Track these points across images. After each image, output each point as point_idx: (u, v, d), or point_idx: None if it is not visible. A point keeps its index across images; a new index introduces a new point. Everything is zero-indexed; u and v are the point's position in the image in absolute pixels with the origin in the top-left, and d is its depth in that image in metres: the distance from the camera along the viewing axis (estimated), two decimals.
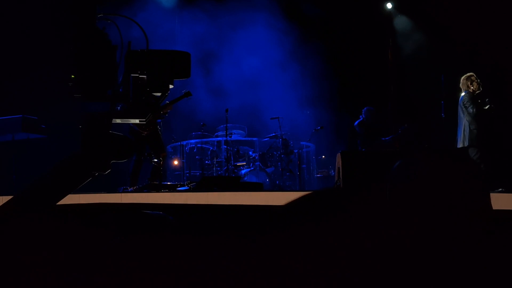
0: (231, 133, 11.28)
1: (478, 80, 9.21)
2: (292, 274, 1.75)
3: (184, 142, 11.75)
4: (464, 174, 1.74)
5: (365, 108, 11.21)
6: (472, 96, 9.11)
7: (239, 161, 11.32)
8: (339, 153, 6.06)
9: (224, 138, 11.13)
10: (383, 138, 11.09)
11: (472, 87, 9.19)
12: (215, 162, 11.27)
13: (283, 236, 1.90)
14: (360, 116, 11.15)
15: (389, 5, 13.73)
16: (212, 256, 2.22)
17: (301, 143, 12.11)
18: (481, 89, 9.18)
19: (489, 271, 1.63)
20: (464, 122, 9.14)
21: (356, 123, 11.08)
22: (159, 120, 9.27)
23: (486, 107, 9.02)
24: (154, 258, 2.24)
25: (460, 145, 9.10)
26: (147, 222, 2.96)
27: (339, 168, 6.17)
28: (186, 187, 8.94)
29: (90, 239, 2.56)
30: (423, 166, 1.77)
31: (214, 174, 11.12)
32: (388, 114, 13.51)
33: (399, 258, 1.67)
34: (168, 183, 9.68)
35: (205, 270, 2.04)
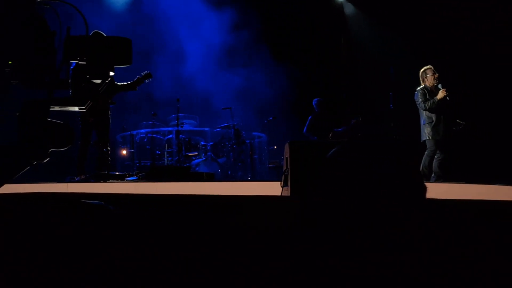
0: (182, 123, 11.19)
1: (436, 74, 9.25)
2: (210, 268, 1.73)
3: (134, 132, 11.62)
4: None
5: (315, 100, 11.30)
6: (424, 91, 9.18)
7: (191, 151, 11.23)
8: (287, 143, 6.07)
9: (176, 128, 11.03)
10: (336, 129, 11.18)
11: (427, 81, 9.25)
12: (165, 152, 11.18)
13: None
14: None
15: None
16: (146, 246, 2.19)
17: (253, 133, 12.11)
18: (436, 82, 9.20)
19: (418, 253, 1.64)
20: (420, 115, 9.27)
21: (310, 116, 11.17)
22: (112, 106, 8.95)
23: (441, 99, 9.01)
24: (87, 248, 2.20)
25: (423, 137, 9.23)
26: (86, 211, 2.90)
27: (287, 158, 6.17)
28: (135, 177, 8.84)
29: (25, 228, 2.50)
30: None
31: (165, 164, 11.03)
32: (342, 105, 13.61)
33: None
34: (117, 173, 9.56)
35: (134, 259, 2.01)
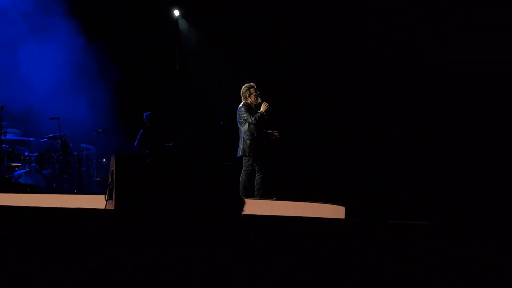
0: (6, 132, 10.71)
1: (257, 92, 9.50)
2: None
3: None
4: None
5: (146, 114, 11.25)
6: (248, 107, 9.39)
7: (14, 162, 10.77)
8: (113, 156, 6.03)
9: None
10: (166, 144, 11.20)
11: (249, 99, 9.46)
12: None
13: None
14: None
15: (176, 12, 13.91)
16: None
17: (81, 145, 11.80)
18: (259, 100, 9.44)
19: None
20: (240, 131, 9.44)
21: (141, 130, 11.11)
22: None
23: (259, 117, 9.27)
24: None
25: (239, 153, 9.38)
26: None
27: (112, 170, 6.12)
28: None
29: None
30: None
31: None
32: (173, 120, 13.68)
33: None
34: None
35: None
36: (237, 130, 9.61)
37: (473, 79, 11.84)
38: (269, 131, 9.56)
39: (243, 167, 9.30)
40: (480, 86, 11.90)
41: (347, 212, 9.93)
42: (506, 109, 11.89)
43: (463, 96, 12.02)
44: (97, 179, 11.69)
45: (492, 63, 11.57)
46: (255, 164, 9.29)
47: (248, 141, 9.25)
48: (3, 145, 10.53)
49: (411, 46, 12.37)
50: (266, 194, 9.31)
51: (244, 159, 9.31)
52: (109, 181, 6.23)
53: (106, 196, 6.26)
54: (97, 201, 7.21)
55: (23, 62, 12.14)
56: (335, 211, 9.65)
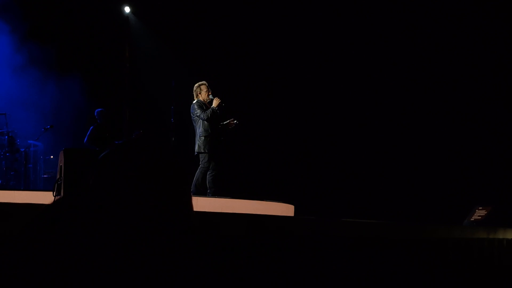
0: None
1: (209, 89, 9.52)
2: None
3: None
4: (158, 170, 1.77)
5: (97, 110, 11.11)
6: (200, 104, 9.40)
7: None
8: (62, 151, 5.94)
9: None
10: (116, 142, 11.07)
11: (201, 96, 9.48)
12: None
13: None
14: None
15: (127, 9, 13.81)
16: None
17: (28, 141, 11.57)
18: (210, 97, 9.47)
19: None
20: (196, 129, 9.42)
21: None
22: None
23: (211, 112, 9.27)
24: None
25: (196, 150, 9.35)
26: None
27: (61, 166, 6.03)
28: None
29: None
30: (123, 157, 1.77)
31: None
32: (123, 117, 13.56)
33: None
34: None
35: None
36: (190, 128, 9.61)
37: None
38: (225, 122, 9.56)
39: (200, 164, 9.27)
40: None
41: (296, 210, 10.04)
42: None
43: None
44: (45, 176, 11.48)
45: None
46: (211, 161, 9.27)
47: (203, 138, 9.24)
48: None
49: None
50: (218, 192, 9.30)
51: (201, 156, 9.29)
52: (58, 176, 6.14)
53: (54, 192, 6.16)
54: (44, 197, 7.10)
55: None
56: (286, 209, 9.72)
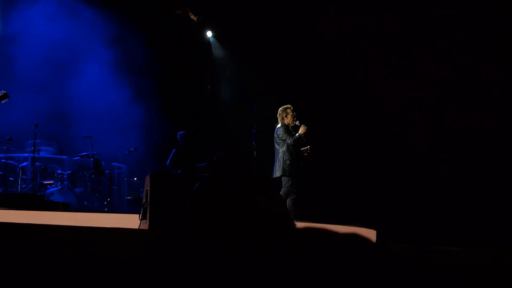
0: (39, 150, 10.77)
1: (294, 113, 9.51)
2: None
3: None
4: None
5: (180, 133, 11.28)
6: (286, 128, 9.39)
7: (47, 179, 10.83)
8: (148, 175, 6.00)
9: (32, 155, 10.58)
10: (198, 164, 11.19)
11: (286, 119, 9.47)
12: (19, 179, 10.65)
13: None
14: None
15: (209, 33, 14.00)
16: None
17: (113, 163, 11.84)
18: (296, 122, 9.45)
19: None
20: (279, 152, 9.40)
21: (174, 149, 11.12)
22: None
23: (297, 138, 9.25)
24: None
25: (275, 174, 9.34)
26: None
27: (147, 190, 6.09)
28: None
29: None
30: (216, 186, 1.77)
31: (18, 192, 10.50)
32: (205, 140, 13.69)
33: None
34: None
35: None
36: (271, 151, 9.59)
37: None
38: (303, 148, 9.52)
39: (283, 188, 9.25)
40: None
41: (378, 236, 9.77)
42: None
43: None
44: (128, 197, 11.69)
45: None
46: (294, 185, 9.24)
47: (288, 162, 9.23)
48: (36, 163, 10.60)
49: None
50: (298, 216, 9.22)
51: (284, 180, 9.26)
52: (144, 200, 6.19)
53: (140, 215, 6.22)
54: (129, 221, 7.18)
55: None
56: (367, 234, 9.49)
